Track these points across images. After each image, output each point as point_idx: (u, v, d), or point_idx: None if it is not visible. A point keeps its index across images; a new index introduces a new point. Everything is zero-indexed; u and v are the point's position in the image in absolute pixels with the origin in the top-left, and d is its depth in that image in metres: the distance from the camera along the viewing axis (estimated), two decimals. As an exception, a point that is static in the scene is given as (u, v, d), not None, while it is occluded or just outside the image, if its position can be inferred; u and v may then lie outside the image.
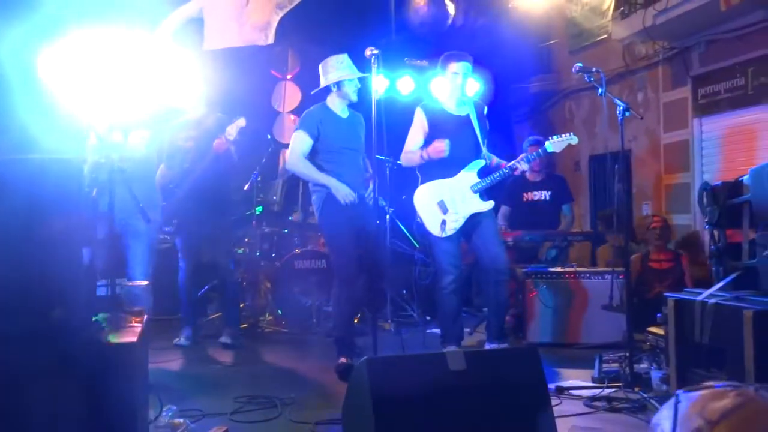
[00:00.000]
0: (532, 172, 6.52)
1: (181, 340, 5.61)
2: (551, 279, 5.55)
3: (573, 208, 6.77)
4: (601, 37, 8.53)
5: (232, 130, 5.58)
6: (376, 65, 4.27)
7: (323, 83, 4.91)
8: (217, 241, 5.62)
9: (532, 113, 9.87)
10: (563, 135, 4.88)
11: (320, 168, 4.77)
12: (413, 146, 5.03)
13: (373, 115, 4.28)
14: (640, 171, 8.12)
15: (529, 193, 6.63)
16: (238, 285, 5.78)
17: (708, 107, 7.07)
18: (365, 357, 2.85)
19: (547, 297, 5.51)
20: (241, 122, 5.70)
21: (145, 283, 3.24)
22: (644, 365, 4.28)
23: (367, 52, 4.31)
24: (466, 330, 5.85)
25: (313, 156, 4.82)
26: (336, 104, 4.93)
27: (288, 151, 4.95)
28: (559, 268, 5.70)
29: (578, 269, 5.57)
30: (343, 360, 4.70)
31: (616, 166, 4.52)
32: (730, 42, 6.61)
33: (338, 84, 4.85)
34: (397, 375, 2.85)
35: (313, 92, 5.11)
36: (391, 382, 2.82)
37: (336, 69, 4.85)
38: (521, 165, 4.90)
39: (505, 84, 9.26)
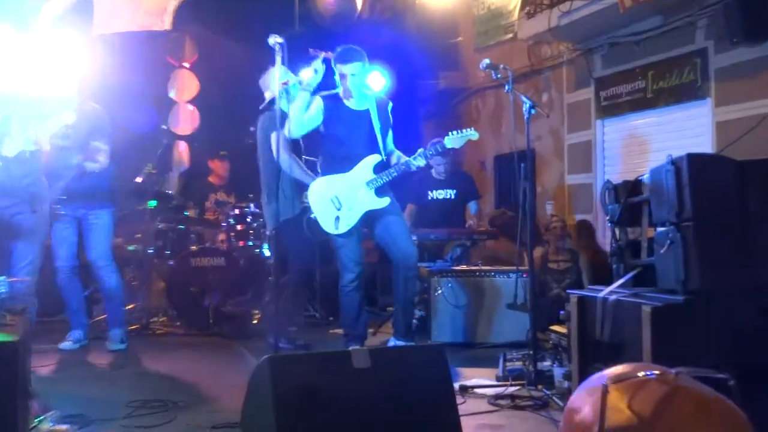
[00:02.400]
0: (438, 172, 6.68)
1: (68, 343, 5.41)
2: (456, 278, 5.66)
3: (479, 205, 6.93)
4: (507, 36, 8.77)
5: (91, 154, 5.19)
6: (280, 55, 4.24)
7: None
8: (90, 237, 5.46)
9: (439, 110, 10.03)
10: (463, 130, 4.99)
11: None
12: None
13: (277, 107, 4.26)
14: (544, 171, 8.41)
15: (434, 192, 6.75)
16: (119, 281, 5.59)
17: (610, 109, 7.39)
18: (266, 355, 2.83)
19: (452, 296, 5.63)
20: (96, 146, 5.22)
21: (28, 279, 3.10)
22: (547, 363, 4.43)
23: (271, 40, 4.28)
24: (370, 330, 5.90)
25: None
26: None
27: None
28: (464, 267, 5.83)
29: (483, 268, 5.72)
30: None
31: (522, 165, 4.67)
32: (630, 46, 6.94)
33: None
34: (300, 374, 2.84)
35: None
36: (293, 381, 2.82)
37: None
38: (417, 161, 4.97)
39: (412, 80, 9.39)
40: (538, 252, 6.37)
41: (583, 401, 1.35)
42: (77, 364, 4.93)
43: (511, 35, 8.63)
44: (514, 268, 5.41)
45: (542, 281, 6.32)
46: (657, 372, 1.33)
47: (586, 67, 7.61)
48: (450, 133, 5.04)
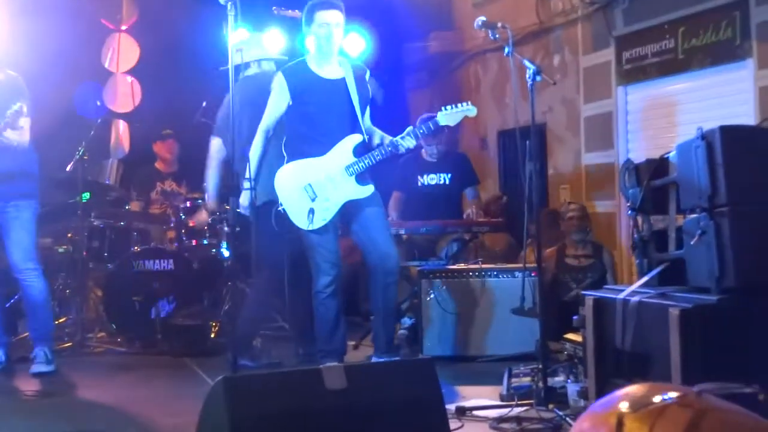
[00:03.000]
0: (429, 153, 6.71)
1: None
2: (452, 279, 5.69)
3: (479, 191, 6.95)
4: (511, -12, 8.79)
5: (11, 119, 5.05)
6: (233, 14, 4.24)
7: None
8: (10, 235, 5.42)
9: (431, 78, 10.03)
10: (458, 104, 5.01)
11: None
12: (269, 122, 5.08)
13: (230, 80, 4.28)
14: (556, 149, 8.43)
15: (425, 177, 6.77)
16: (46, 289, 5.58)
17: (634, 73, 7.41)
18: (221, 376, 2.85)
19: (446, 300, 5.65)
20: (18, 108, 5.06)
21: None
22: (560, 378, 4.47)
23: (222, -2, 4.29)
24: (351, 343, 5.93)
25: None
26: None
27: None
28: (462, 265, 5.86)
29: (484, 266, 5.75)
30: None
31: (527, 142, 4.70)
32: (657, -3, 6.97)
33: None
34: (262, 397, 2.87)
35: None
36: (253, 406, 2.84)
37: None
38: (406, 141, 4.97)
39: (397, 42, 9.39)
40: (550, 250, 6.42)
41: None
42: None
43: (516, -13, 8.65)
44: (521, 266, 5.45)
45: (559, 280, 6.36)
46: (677, 394, 1.33)
47: (605, 24, 7.62)
48: (443, 108, 5.05)
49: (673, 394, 1.30)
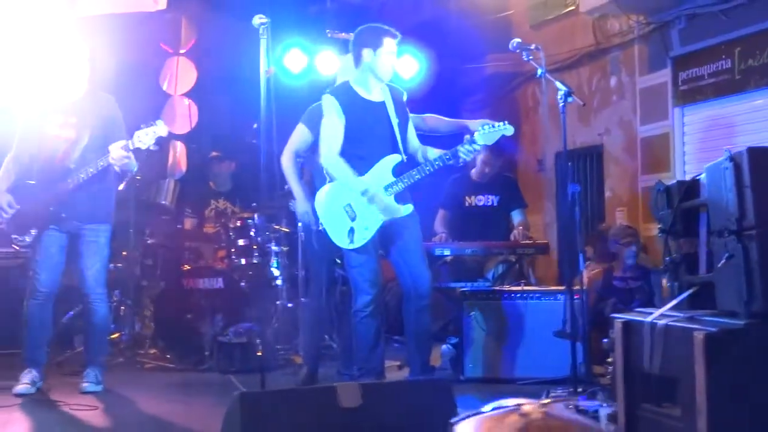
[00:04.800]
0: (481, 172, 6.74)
1: (25, 386, 5.32)
2: (494, 301, 5.69)
3: (525, 215, 6.92)
4: (568, 9, 8.77)
5: (147, 138, 5.19)
6: (265, 37, 4.35)
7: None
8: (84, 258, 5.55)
9: (488, 100, 10.05)
10: (496, 124, 5.04)
11: None
12: (337, 146, 5.04)
13: (262, 101, 4.37)
14: (613, 171, 8.36)
15: (472, 197, 6.77)
16: (109, 316, 5.72)
17: (690, 94, 7.33)
18: (238, 392, 2.92)
19: (488, 322, 5.65)
20: (161, 130, 5.26)
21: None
22: (597, 402, 4.42)
23: (256, 20, 4.40)
24: (396, 363, 5.96)
25: None
26: None
27: None
28: (506, 287, 5.85)
29: (526, 288, 5.73)
30: None
31: (569, 164, 4.69)
32: (714, 17, 6.89)
33: None
34: (277, 414, 2.93)
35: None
36: (268, 422, 2.90)
37: None
38: (446, 160, 5.02)
39: (455, 64, 9.43)
40: (597, 271, 6.38)
41: None
42: (43, 403, 5.05)
43: (572, 7, 8.63)
44: (563, 288, 5.41)
45: (608, 303, 6.30)
46: (520, 405, 1.71)
47: (662, 45, 7.57)
48: (481, 127, 5.09)
49: (515, 406, 1.65)
